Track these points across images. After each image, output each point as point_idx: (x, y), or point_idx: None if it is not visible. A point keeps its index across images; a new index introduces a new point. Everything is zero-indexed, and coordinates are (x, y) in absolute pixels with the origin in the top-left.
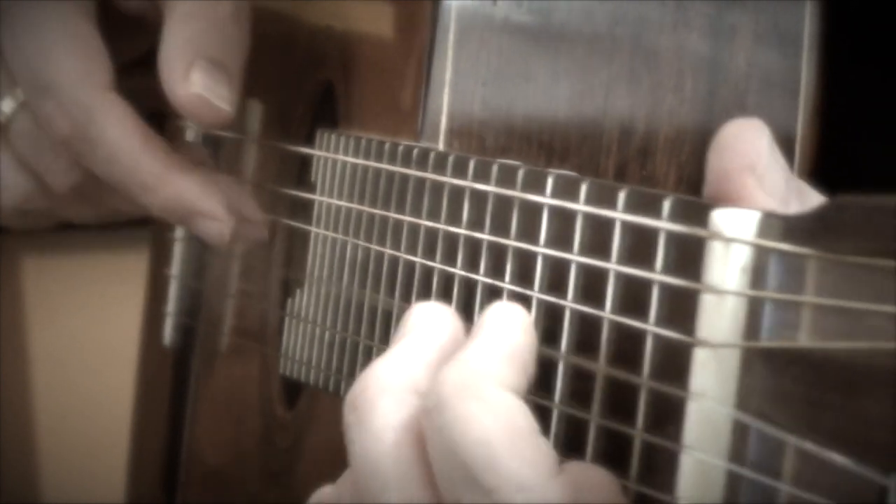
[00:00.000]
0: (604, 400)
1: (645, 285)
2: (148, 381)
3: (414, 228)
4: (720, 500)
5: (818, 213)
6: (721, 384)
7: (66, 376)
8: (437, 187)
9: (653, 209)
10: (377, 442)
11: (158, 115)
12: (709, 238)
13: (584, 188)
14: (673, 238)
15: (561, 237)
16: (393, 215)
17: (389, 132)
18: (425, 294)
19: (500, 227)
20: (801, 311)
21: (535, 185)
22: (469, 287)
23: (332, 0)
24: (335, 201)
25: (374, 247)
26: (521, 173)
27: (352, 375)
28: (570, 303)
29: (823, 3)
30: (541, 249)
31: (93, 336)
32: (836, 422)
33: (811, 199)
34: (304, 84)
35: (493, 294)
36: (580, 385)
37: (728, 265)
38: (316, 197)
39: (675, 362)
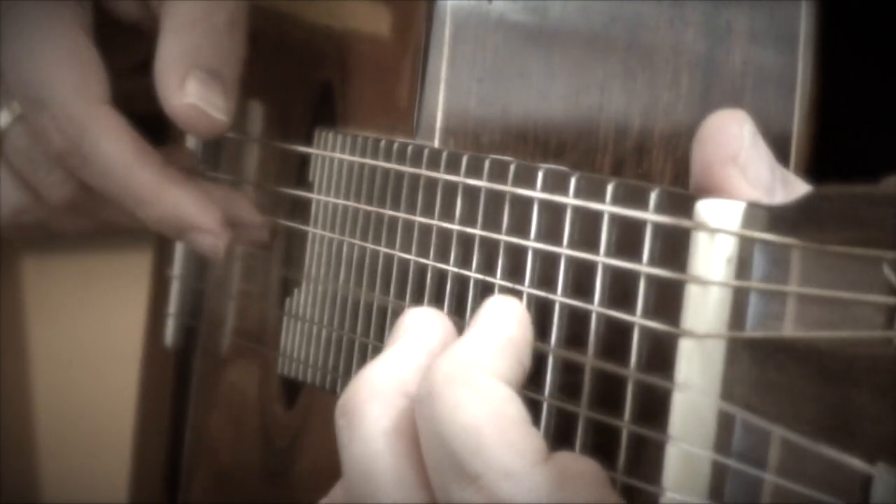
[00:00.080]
0: (592, 392)
1: (632, 277)
2: (150, 382)
3: (409, 225)
4: (706, 490)
5: (802, 204)
6: (706, 375)
7: (66, 376)
8: (431, 184)
9: (640, 201)
10: (367, 446)
11: (160, 118)
12: (693, 229)
13: (573, 182)
14: (659, 230)
15: (551, 231)
16: (389, 213)
17: (386, 131)
18: (419, 290)
19: (493, 223)
20: (786, 301)
21: (526, 179)
22: (462, 282)
23: (330, 0)
24: (332, 199)
25: (370, 245)
26: (512, 168)
27: (349, 374)
28: (558, 296)
29: (819, 0)
30: (531, 244)
31: (93, 336)
32: (820, 411)
33: (797, 188)
34: (303, 84)
35: (486, 289)
36: (569, 378)
37: (713, 256)
38: (313, 196)
39: (661, 354)
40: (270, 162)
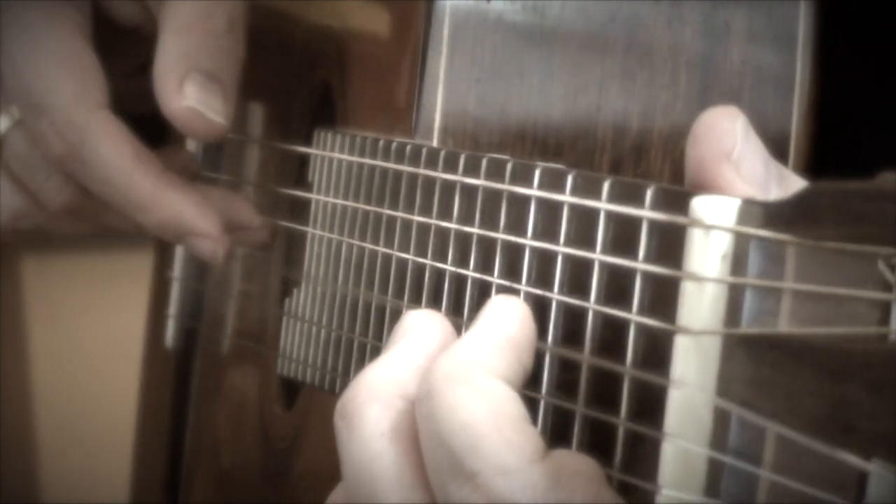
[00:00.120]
0: (589, 390)
1: (628, 275)
2: (151, 383)
3: (407, 225)
4: (702, 486)
5: (797, 200)
6: (702, 371)
7: (66, 376)
8: (429, 183)
9: (636, 199)
10: (366, 447)
11: (160, 119)
12: (689, 226)
13: (569, 180)
14: (655, 227)
15: (548, 229)
16: (387, 212)
17: (385, 130)
18: (418, 290)
19: (490, 222)
20: (781, 298)
21: (523, 178)
22: (460, 281)
23: (329, 0)
24: (331, 199)
25: (369, 245)
26: (509, 167)
27: (348, 374)
28: (555, 294)
29: (818, 0)
30: (528, 242)
31: (93, 336)
32: (816, 408)
33: (793, 183)
34: (302, 84)
35: (484, 288)
36: (566, 376)
37: (708, 252)
38: (312, 196)
39: (657, 350)
40: (270, 162)
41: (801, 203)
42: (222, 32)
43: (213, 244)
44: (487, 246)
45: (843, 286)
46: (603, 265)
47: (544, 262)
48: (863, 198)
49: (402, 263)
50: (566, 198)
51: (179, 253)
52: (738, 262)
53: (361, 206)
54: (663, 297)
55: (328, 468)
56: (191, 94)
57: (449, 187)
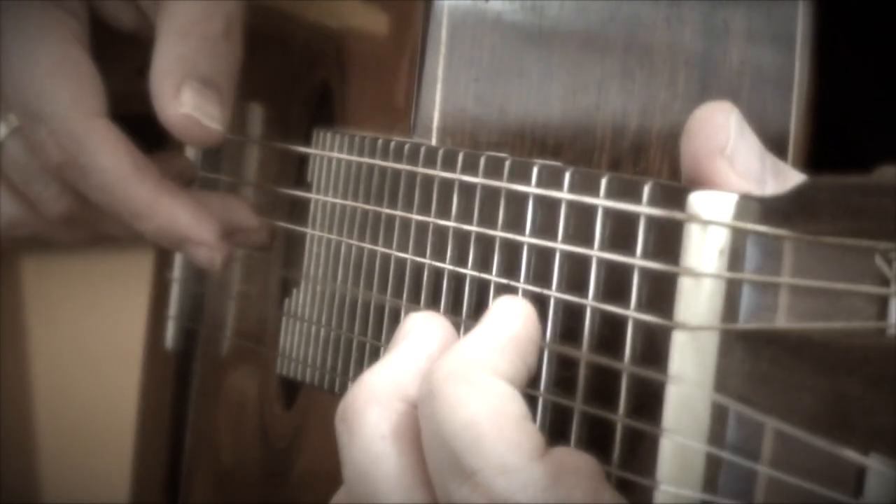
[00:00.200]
0: (587, 387)
1: (626, 271)
2: (151, 383)
3: (406, 224)
4: (700, 482)
5: (795, 194)
6: (700, 367)
7: (66, 377)
8: (428, 181)
9: (633, 195)
10: (366, 449)
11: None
12: (686, 221)
13: (567, 177)
14: (652, 223)
15: (546, 227)
16: (386, 211)
17: (384, 130)
18: (417, 288)
19: (489, 219)
20: (779, 293)
21: (521, 175)
22: (458, 279)
23: (328, 0)
24: (330, 199)
25: (368, 245)
26: (507, 164)
27: (347, 373)
28: (553, 292)
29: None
30: (526, 239)
31: (93, 336)
32: (814, 403)
33: (790, 177)
34: (302, 84)
35: (483, 285)
36: (565, 373)
37: (705, 248)
38: (311, 195)
39: (655, 346)
40: (269, 162)
41: (799, 198)
42: (219, 37)
43: (210, 252)
44: (486, 244)
45: (840, 281)
46: (601, 262)
47: (542, 259)
48: (860, 192)
49: (401, 262)
50: (564, 195)
51: (179, 254)
52: (735, 257)
53: (360, 205)
54: (661, 292)
55: (328, 468)
56: (188, 101)
57: (447, 186)
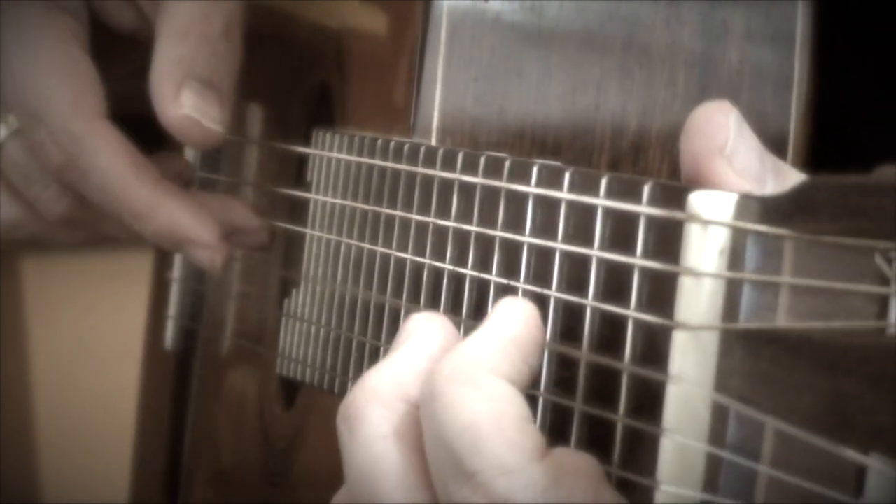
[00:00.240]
0: (587, 387)
1: (626, 271)
2: (150, 383)
3: (406, 224)
4: (700, 482)
5: (794, 194)
6: (700, 367)
7: (66, 377)
8: (428, 181)
9: (633, 195)
10: (368, 450)
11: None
12: (686, 221)
13: (567, 177)
14: (652, 223)
15: (546, 226)
16: (386, 211)
17: (384, 130)
18: (417, 288)
19: (488, 219)
20: (779, 292)
21: (521, 175)
22: (458, 279)
23: (327, 0)
24: (330, 199)
25: (367, 245)
26: (507, 164)
27: (347, 374)
28: (553, 291)
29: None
30: (526, 239)
31: (93, 336)
32: (814, 402)
33: (790, 177)
34: (301, 84)
35: (483, 285)
36: (565, 373)
37: (705, 247)
38: (311, 195)
39: (655, 346)
40: (269, 163)
41: (799, 197)
42: (219, 38)
43: (210, 253)
44: (486, 244)
45: (840, 280)
46: (601, 261)
47: (542, 259)
48: (860, 192)
49: (401, 262)
50: (564, 194)
51: (179, 254)
52: (735, 256)
53: (360, 205)
54: (661, 292)
55: (328, 468)
56: (187, 102)
57: (447, 185)
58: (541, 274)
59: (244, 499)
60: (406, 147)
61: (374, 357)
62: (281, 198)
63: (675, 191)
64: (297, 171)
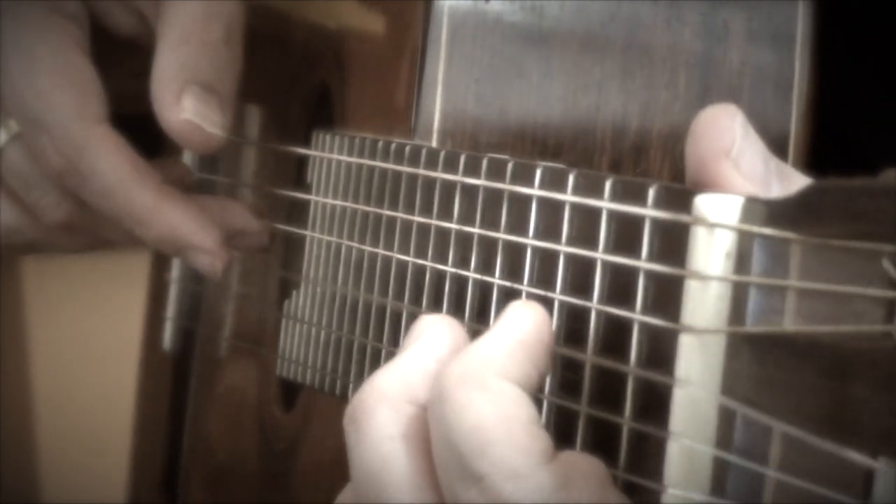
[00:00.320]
0: (593, 390)
1: (632, 274)
2: (149, 384)
3: (407, 226)
4: (707, 486)
5: (801, 197)
6: (707, 370)
7: (66, 377)
8: (429, 183)
9: (638, 197)
10: (374, 451)
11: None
12: (692, 224)
13: (571, 179)
14: (658, 226)
15: (550, 229)
16: (387, 213)
17: (384, 131)
18: (418, 291)
19: (491, 222)
20: (786, 296)
21: (524, 177)
22: (461, 282)
23: (327, 1)
24: (330, 201)
25: (368, 247)
26: (510, 166)
27: (348, 375)
28: (557, 294)
29: (816, 0)
30: (530, 241)
31: (93, 336)
32: (821, 406)
33: (795, 180)
34: (301, 85)
35: (485, 288)
36: (570, 376)
37: (712, 251)
38: (311, 197)
39: (661, 350)
40: (269, 164)
41: (805, 201)
42: (220, 43)
43: (211, 258)
44: (488, 246)
45: (847, 284)
46: (606, 264)
47: (546, 262)
48: (867, 195)
49: (402, 265)
50: (568, 197)
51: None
52: (742, 260)
53: (360, 207)
54: (667, 295)
55: (328, 469)
56: (189, 107)
57: (449, 188)
58: (545, 277)
59: (243, 500)
60: (407, 149)
61: (376, 359)
62: (280, 199)
63: (680, 193)
64: (297, 172)
